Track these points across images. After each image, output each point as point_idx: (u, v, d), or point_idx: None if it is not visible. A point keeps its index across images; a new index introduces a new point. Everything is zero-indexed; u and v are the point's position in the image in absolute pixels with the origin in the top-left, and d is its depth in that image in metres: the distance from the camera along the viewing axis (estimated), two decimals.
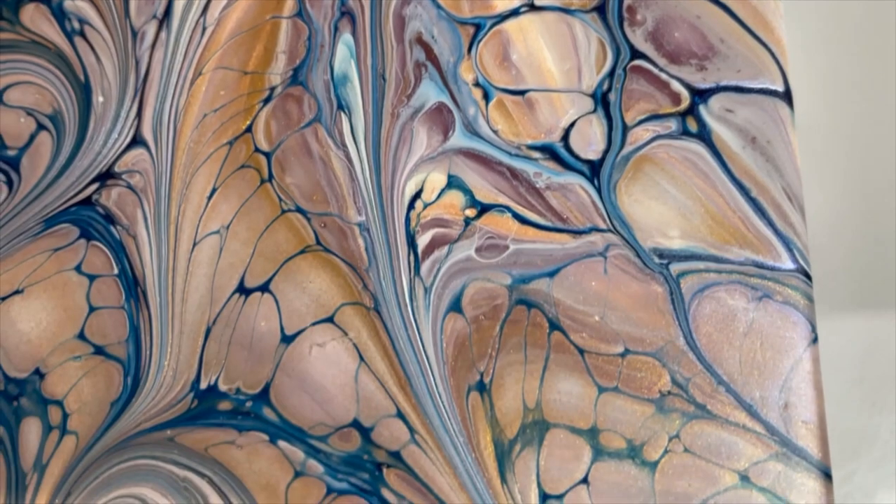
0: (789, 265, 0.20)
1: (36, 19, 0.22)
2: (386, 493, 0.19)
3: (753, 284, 0.20)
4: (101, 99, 0.21)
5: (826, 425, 0.19)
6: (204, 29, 0.22)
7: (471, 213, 0.21)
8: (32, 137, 0.21)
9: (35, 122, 0.21)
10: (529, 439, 0.19)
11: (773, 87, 0.21)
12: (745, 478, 0.18)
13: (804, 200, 0.20)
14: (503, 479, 0.19)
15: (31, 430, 0.19)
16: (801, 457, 0.19)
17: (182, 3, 0.22)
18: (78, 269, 0.20)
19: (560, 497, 0.18)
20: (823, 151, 0.21)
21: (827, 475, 0.18)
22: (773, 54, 0.21)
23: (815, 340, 0.19)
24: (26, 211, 0.21)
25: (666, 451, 0.19)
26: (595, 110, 0.21)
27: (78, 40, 0.22)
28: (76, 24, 0.22)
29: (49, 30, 0.22)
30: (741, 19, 0.21)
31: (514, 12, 0.22)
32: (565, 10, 0.22)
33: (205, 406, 0.19)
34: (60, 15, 0.22)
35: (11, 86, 0.22)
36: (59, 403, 0.19)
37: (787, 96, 0.21)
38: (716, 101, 0.21)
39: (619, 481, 0.19)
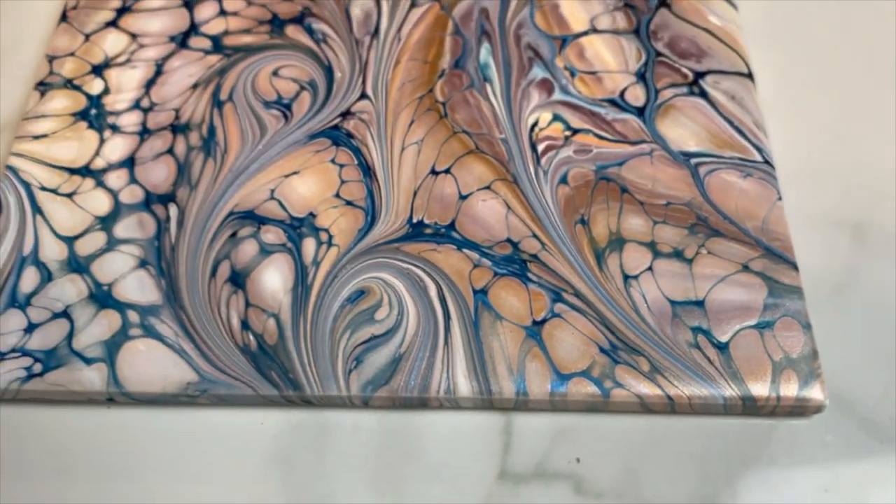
0: (760, 159, 0.33)
1: (295, 33, 0.37)
2: (530, 275, 0.30)
3: (740, 169, 0.33)
4: (339, 74, 0.36)
5: (791, 241, 0.31)
6: (399, 39, 0.37)
7: (568, 133, 0.34)
8: (297, 93, 0.35)
9: (298, 86, 0.35)
10: (614, 248, 0.31)
11: (743, 71, 0.36)
12: (745, 266, 0.31)
13: (766, 126, 0.34)
14: (600, 268, 0.31)
15: (309, 245, 0.31)
16: (779, 256, 0.31)
17: (386, 24, 0.37)
18: (332, 161, 0.33)
19: (636, 276, 0.30)
20: (774, 103, 0.36)
21: (795, 267, 0.31)
22: (739, 54, 0.36)
23: (779, 199, 0.32)
24: (298, 132, 0.34)
25: (697, 253, 0.31)
26: (638, 82, 0.35)
27: (323, 45, 0.36)
28: (321, 36, 0.37)
29: (303, 38, 0.37)
30: (719, 38, 0.37)
31: (583, 33, 0.37)
32: (614, 32, 0.37)
33: (416, 232, 0.32)
34: (310, 31, 0.37)
35: (282, 67, 0.36)
36: (326, 230, 0.32)
37: (750, 76, 0.36)
38: (709, 77, 0.35)
39: (670, 270, 0.31)
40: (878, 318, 0.31)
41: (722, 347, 0.29)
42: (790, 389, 0.28)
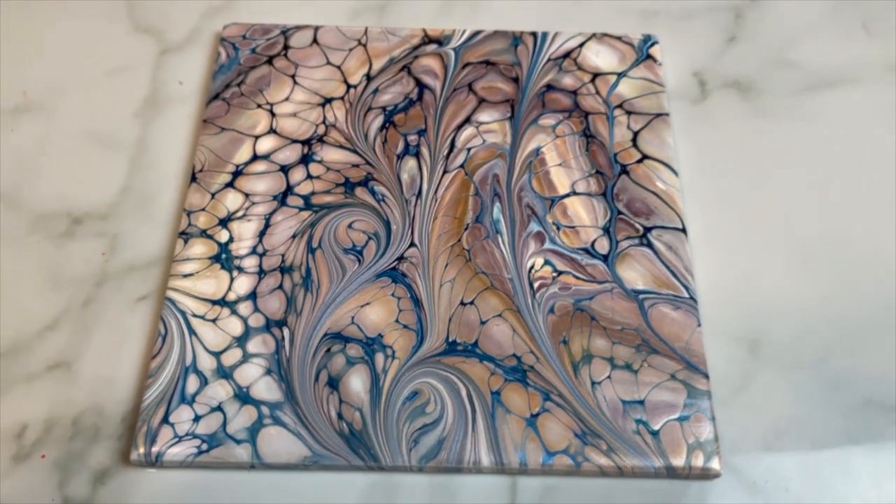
0: (687, 296, 0.49)
1: (363, 193, 0.52)
2: (529, 381, 0.45)
3: (672, 302, 0.48)
4: (394, 227, 0.50)
5: (706, 358, 0.46)
6: (436, 199, 0.51)
7: (555, 274, 0.49)
8: (366, 242, 0.50)
9: (366, 236, 0.50)
10: (585, 361, 0.46)
11: (678, 227, 0.51)
12: (673, 376, 0.46)
13: (694, 269, 0.49)
14: (576, 376, 0.46)
15: (379, 358, 0.46)
16: (696, 368, 0.46)
17: (427, 187, 0.52)
18: (392, 294, 0.48)
19: (600, 382, 0.45)
20: (700, 250, 0.51)
21: (706, 376, 0.46)
22: (677, 213, 0.51)
23: (699, 325, 0.48)
24: (368, 272, 0.49)
25: (641, 366, 0.46)
26: (604, 234, 0.50)
27: (381, 205, 0.51)
28: (381, 196, 0.51)
29: (368, 198, 0.51)
30: (664, 199, 0.52)
31: (566, 195, 0.52)
32: (588, 194, 0.52)
33: (451, 348, 0.46)
34: (373, 192, 0.52)
35: (355, 221, 0.51)
36: (390, 347, 0.46)
37: (683, 231, 0.51)
38: (654, 231, 0.50)
39: (622, 378, 0.46)
40: (765, 411, 0.46)
41: (654, 434, 0.44)
42: (698, 462, 0.43)
